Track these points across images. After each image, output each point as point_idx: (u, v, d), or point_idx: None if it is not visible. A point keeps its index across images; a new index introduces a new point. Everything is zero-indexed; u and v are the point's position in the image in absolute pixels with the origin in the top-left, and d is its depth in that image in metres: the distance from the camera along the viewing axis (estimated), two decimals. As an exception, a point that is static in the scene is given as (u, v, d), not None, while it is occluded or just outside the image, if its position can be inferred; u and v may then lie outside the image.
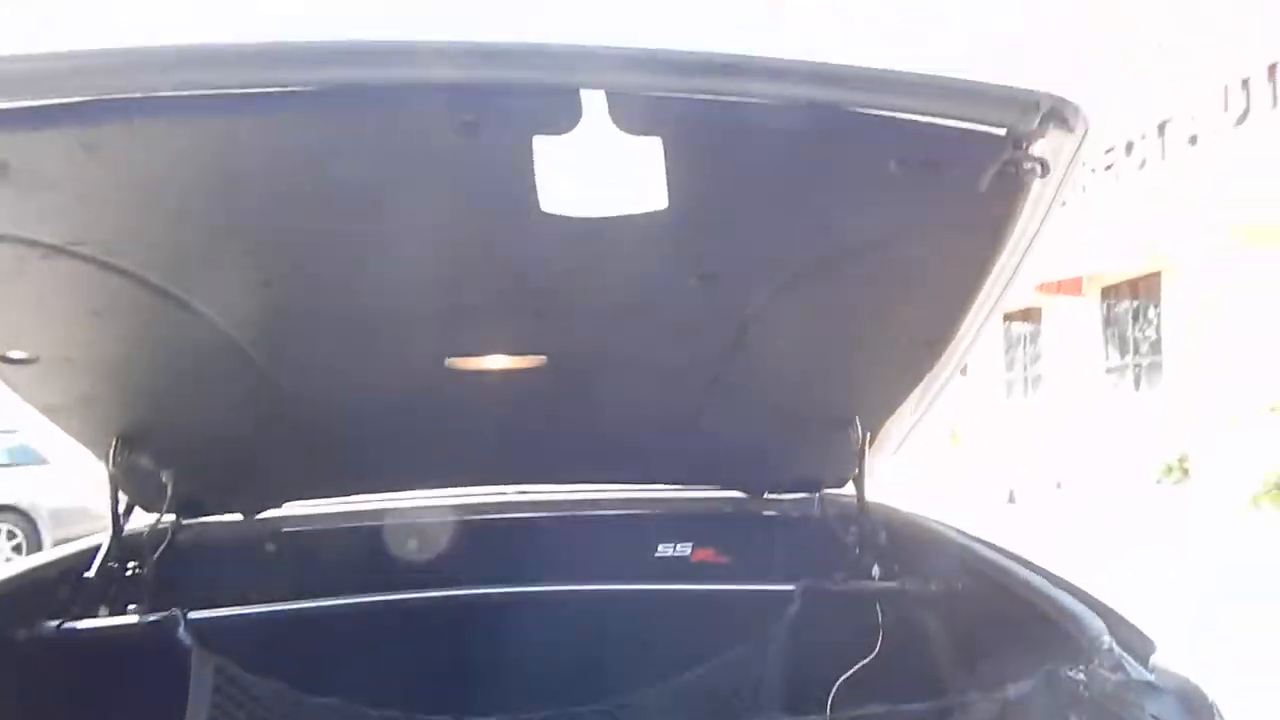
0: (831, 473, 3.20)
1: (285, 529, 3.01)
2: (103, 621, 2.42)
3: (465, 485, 3.22)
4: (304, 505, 3.08)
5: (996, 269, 2.01)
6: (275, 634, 2.80)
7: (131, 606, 2.47)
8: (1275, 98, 13.35)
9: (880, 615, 2.91)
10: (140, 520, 2.68)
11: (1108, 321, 18.70)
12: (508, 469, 3.11)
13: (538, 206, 1.68)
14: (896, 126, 1.58)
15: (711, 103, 1.53)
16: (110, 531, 2.55)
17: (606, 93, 1.45)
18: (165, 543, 2.64)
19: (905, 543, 2.86)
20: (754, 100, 1.54)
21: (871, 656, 2.87)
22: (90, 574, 2.47)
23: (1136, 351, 18.13)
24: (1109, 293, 18.21)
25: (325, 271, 1.93)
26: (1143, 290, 17.44)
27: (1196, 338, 15.36)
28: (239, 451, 2.65)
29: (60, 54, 1.42)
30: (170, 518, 2.68)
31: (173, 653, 2.45)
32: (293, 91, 1.47)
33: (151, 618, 2.45)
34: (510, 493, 3.30)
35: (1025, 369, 21.47)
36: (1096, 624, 1.76)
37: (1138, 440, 13.79)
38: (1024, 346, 21.37)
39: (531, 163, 1.52)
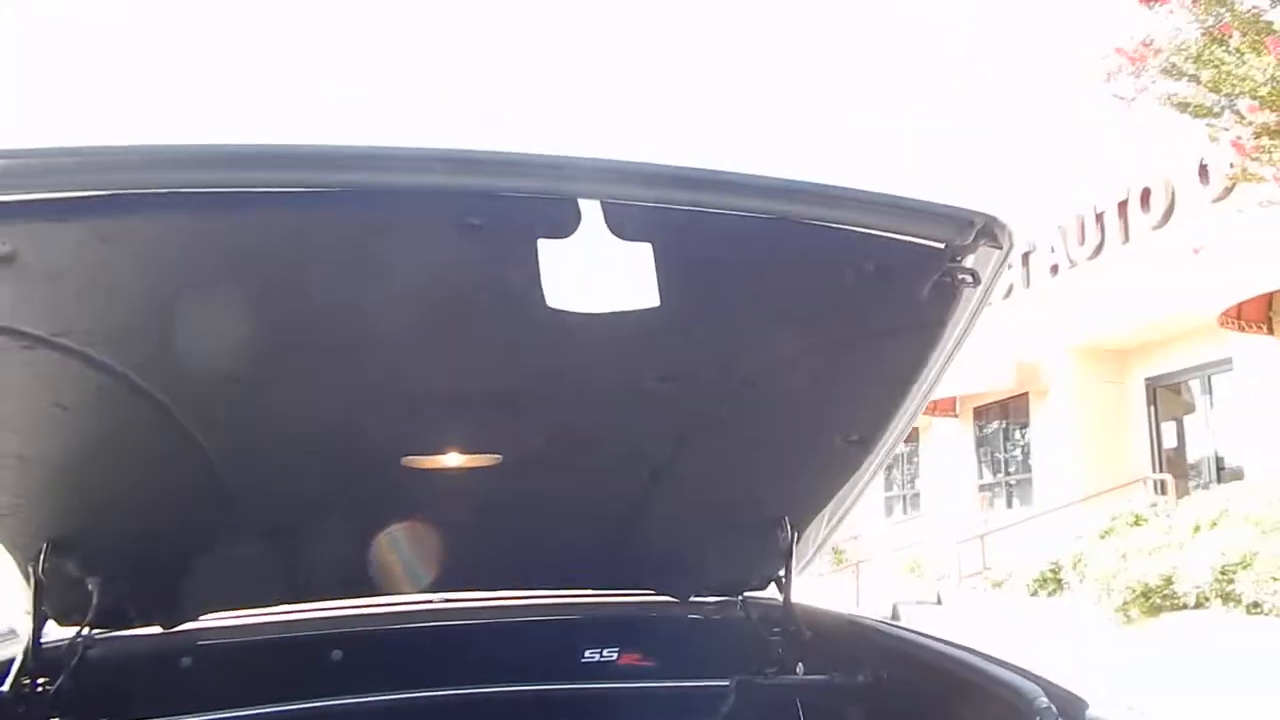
0: (756, 574, 3.30)
1: (201, 641, 2.92)
2: None
3: (396, 594, 3.21)
4: (218, 617, 3.01)
5: (927, 370, 2.21)
6: None
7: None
8: (1127, 233, 14.48)
9: (817, 709, 2.98)
10: (51, 632, 2.55)
11: (980, 441, 19.51)
12: (442, 577, 3.13)
13: (523, 309, 1.79)
14: (852, 239, 1.77)
15: (689, 213, 1.68)
16: (28, 643, 2.40)
17: (601, 202, 1.60)
18: (78, 657, 2.52)
19: (834, 637, 2.97)
20: (728, 212, 1.70)
21: None
22: (4, 689, 2.33)
23: (1008, 470, 18.93)
24: (981, 413, 19.07)
25: (305, 369, 1.99)
26: (1012, 411, 18.33)
27: (1061, 456, 16.18)
28: (169, 561, 2.58)
29: (86, 149, 1.49)
30: (84, 630, 2.58)
31: None
32: (306, 192, 1.57)
33: None
34: (435, 600, 3.30)
35: (904, 487, 22.10)
36: (1032, 688, 1.90)
37: (1013, 555, 14.28)
38: (902, 465, 22.04)
39: (529, 265, 1.63)
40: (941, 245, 1.80)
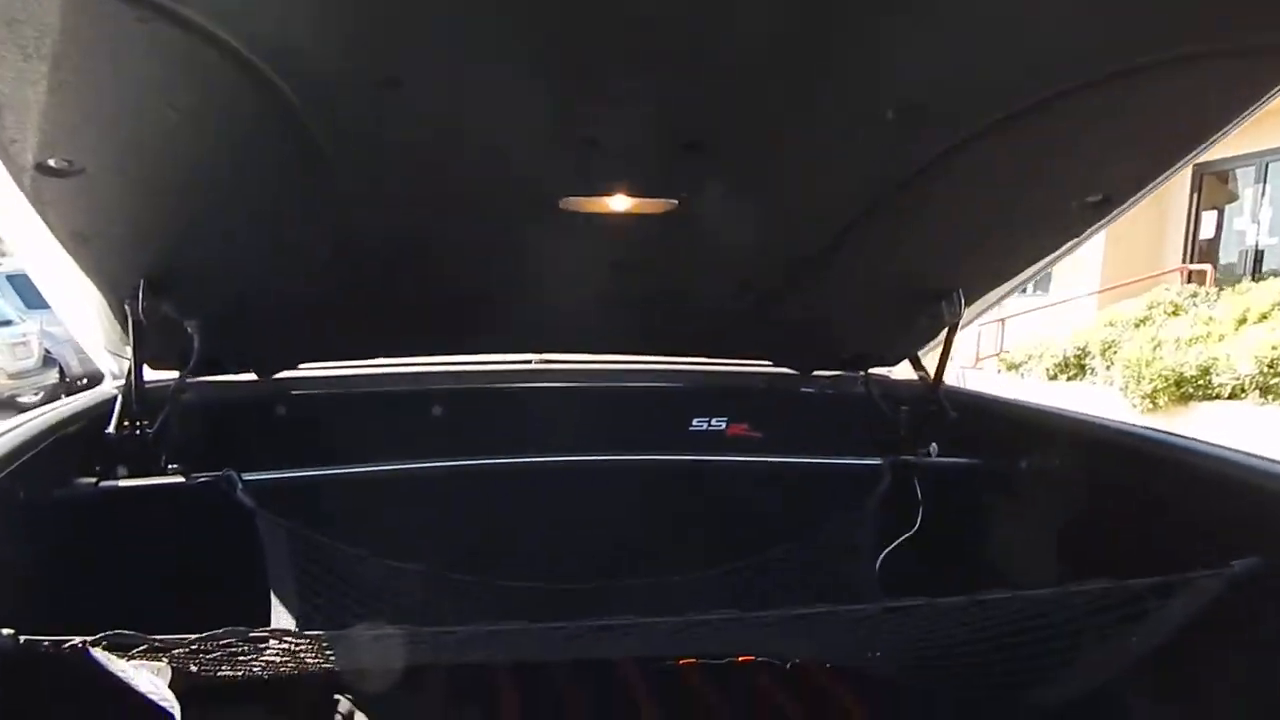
0: (892, 349, 2.99)
1: (295, 390, 2.68)
2: (148, 481, 2.14)
3: (506, 352, 2.93)
4: (313, 367, 2.75)
5: (1230, 114, 1.75)
6: (321, 496, 2.52)
7: (175, 466, 2.19)
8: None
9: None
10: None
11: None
12: (558, 337, 2.82)
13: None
14: None
15: None
16: (128, 386, 2.20)
17: None
18: (175, 401, 2.28)
19: (1004, 421, 2.69)
20: None
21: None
22: (109, 430, 2.17)
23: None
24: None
25: (471, 75, 1.53)
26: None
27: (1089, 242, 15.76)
28: (272, 305, 2.29)
29: None
30: (173, 374, 2.32)
31: (227, 513, 2.15)
32: None
33: (202, 477, 2.15)
34: (534, 361, 3.01)
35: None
36: None
37: (1033, 340, 14.10)
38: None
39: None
40: None
